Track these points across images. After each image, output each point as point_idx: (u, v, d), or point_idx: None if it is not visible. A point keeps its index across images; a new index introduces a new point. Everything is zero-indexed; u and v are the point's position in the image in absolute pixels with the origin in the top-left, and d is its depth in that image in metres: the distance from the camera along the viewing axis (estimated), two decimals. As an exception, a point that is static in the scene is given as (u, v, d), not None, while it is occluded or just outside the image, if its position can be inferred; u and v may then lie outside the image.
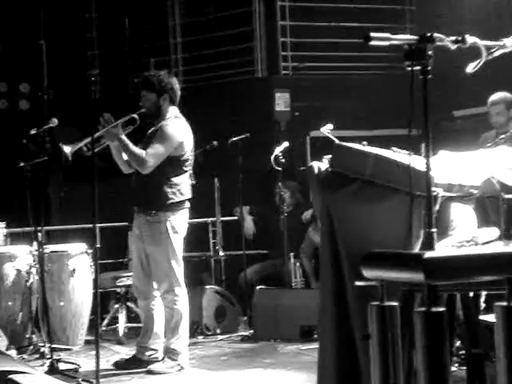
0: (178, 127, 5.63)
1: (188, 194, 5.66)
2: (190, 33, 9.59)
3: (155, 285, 5.68)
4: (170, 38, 9.68)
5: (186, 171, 5.67)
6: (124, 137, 5.50)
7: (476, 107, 7.22)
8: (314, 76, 9.08)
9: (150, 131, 5.73)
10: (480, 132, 7.02)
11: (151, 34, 9.70)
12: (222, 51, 9.19)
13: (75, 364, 5.86)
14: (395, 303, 2.48)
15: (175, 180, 5.58)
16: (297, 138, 8.58)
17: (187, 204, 5.66)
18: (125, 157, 5.62)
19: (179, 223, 5.61)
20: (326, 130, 6.08)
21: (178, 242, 5.62)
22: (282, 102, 8.86)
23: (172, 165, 5.59)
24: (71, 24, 9.66)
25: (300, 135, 8.74)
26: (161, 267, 5.59)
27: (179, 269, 5.62)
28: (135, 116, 5.55)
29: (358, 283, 2.46)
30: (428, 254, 2.34)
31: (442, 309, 2.25)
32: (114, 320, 7.21)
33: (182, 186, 5.62)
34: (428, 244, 2.74)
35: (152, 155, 5.50)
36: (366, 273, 2.50)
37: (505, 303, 2.20)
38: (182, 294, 5.64)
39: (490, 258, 2.37)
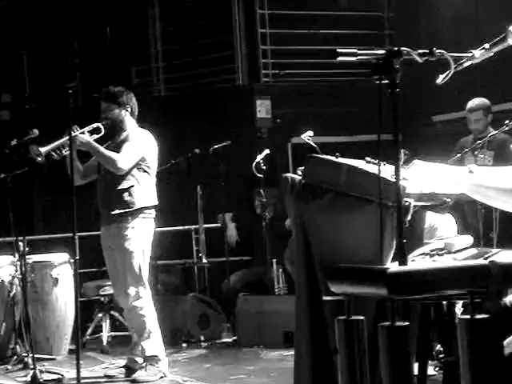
0: (144, 135, 5.78)
1: (153, 201, 5.73)
2: (171, 41, 9.63)
3: (124, 290, 5.69)
4: (151, 46, 9.72)
5: (151, 178, 5.75)
6: (94, 142, 5.61)
7: (455, 112, 7.29)
8: (295, 83, 9.13)
9: (112, 142, 5.79)
10: (459, 136, 7.08)
11: (132, 43, 9.73)
12: (202, 59, 9.24)
13: (59, 374, 5.88)
14: (362, 317, 2.52)
15: (140, 187, 5.66)
16: (278, 145, 8.63)
17: (153, 211, 5.73)
18: (78, 166, 5.66)
19: (145, 228, 5.68)
20: (307, 136, 6.13)
21: (144, 246, 5.67)
22: (263, 109, 8.91)
23: (137, 171, 5.67)
24: (52, 34, 9.67)
25: (281, 142, 8.79)
26: (127, 272, 5.62)
27: (145, 274, 5.66)
28: (100, 125, 5.67)
29: (325, 298, 2.49)
30: (391, 269, 2.38)
31: (405, 323, 2.29)
32: (98, 329, 7.23)
33: (147, 192, 5.70)
34: (399, 255, 2.78)
35: (127, 156, 5.62)
36: (333, 287, 2.53)
37: (468, 316, 2.24)
38: (147, 300, 5.66)
39: (452, 271, 2.41)
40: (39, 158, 5.51)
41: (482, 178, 3.26)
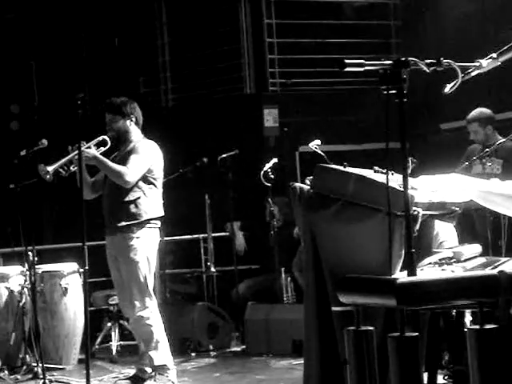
0: (150, 146, 5.77)
1: (159, 212, 5.74)
2: (179, 51, 9.65)
3: (130, 301, 5.70)
4: (159, 56, 9.74)
5: (157, 189, 5.76)
6: (100, 156, 5.62)
7: (462, 120, 7.28)
8: (302, 92, 9.14)
9: (118, 153, 5.80)
10: (466, 144, 7.07)
11: (140, 53, 9.76)
12: (210, 69, 9.25)
13: (68, 384, 5.91)
14: (371, 328, 2.52)
15: (147, 198, 5.67)
16: (286, 154, 8.64)
17: (158, 222, 5.74)
18: (88, 180, 5.71)
19: (150, 238, 5.68)
20: (314, 145, 6.14)
21: (149, 256, 5.67)
22: (270, 118, 8.91)
23: (143, 183, 5.68)
24: (60, 44, 9.71)
25: (289, 151, 8.79)
26: (132, 283, 5.63)
27: (150, 284, 5.67)
28: (106, 138, 5.68)
29: (334, 308, 2.50)
30: (400, 280, 2.38)
31: (415, 334, 2.29)
32: (107, 338, 7.23)
33: (154, 203, 5.71)
34: (408, 264, 2.78)
35: (134, 168, 5.60)
36: (342, 298, 2.53)
37: (477, 326, 2.24)
38: (154, 309, 5.66)
39: (461, 282, 2.41)
40: (47, 176, 5.52)
41: (490, 185, 3.27)
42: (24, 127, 9.47)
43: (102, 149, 5.68)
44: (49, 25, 9.66)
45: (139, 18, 9.79)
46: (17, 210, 6.13)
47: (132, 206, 5.62)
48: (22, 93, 9.67)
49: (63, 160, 5.55)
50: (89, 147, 5.59)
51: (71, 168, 5.58)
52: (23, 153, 5.96)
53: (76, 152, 5.39)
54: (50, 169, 5.53)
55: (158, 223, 5.74)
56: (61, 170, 5.57)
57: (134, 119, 5.78)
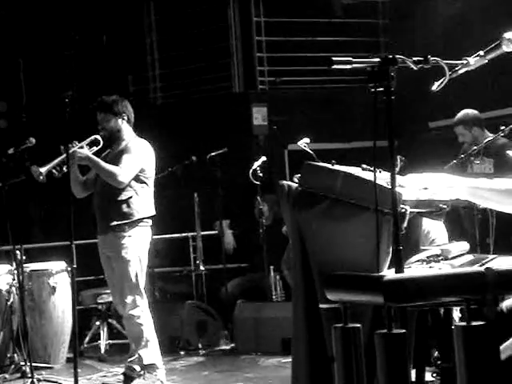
0: (142, 145, 5.76)
1: (150, 211, 5.73)
2: (167, 49, 9.65)
3: (121, 299, 5.69)
4: (148, 54, 9.74)
5: (149, 188, 5.75)
6: (93, 156, 5.60)
7: (451, 118, 7.31)
8: (291, 90, 9.15)
9: (111, 152, 5.78)
10: (455, 142, 7.07)
11: (129, 51, 9.75)
12: (199, 67, 9.26)
13: (57, 383, 5.89)
14: (358, 325, 2.52)
15: (138, 198, 5.66)
16: (275, 152, 8.65)
17: (149, 220, 5.73)
18: (79, 178, 5.70)
19: (142, 237, 5.67)
20: (303, 143, 6.15)
21: (141, 255, 5.66)
22: (259, 116, 8.92)
23: (135, 182, 5.67)
24: (49, 42, 9.69)
25: (278, 149, 8.80)
26: (124, 281, 5.62)
27: (142, 283, 5.66)
28: (98, 137, 5.67)
29: (322, 305, 2.49)
30: (387, 277, 2.38)
31: (402, 330, 2.29)
32: (96, 337, 7.22)
33: (145, 203, 5.70)
34: (396, 262, 2.79)
35: (127, 169, 5.58)
36: (329, 295, 2.53)
37: (464, 323, 2.24)
38: (144, 308, 5.66)
39: (448, 279, 2.41)
40: (41, 177, 5.53)
41: (478, 181, 3.27)
42: (11, 125, 9.45)
43: (95, 148, 5.68)
44: (37, 22, 9.64)
45: (128, 16, 9.78)
46: (4, 208, 6.11)
47: (124, 206, 5.61)
48: (9, 90, 9.65)
49: (56, 161, 5.54)
50: (81, 147, 5.58)
51: (64, 169, 5.56)
52: (11, 151, 5.94)
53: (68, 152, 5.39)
54: (43, 170, 5.52)
55: (150, 222, 5.73)
56: (54, 170, 5.56)
57: (125, 118, 5.77)
